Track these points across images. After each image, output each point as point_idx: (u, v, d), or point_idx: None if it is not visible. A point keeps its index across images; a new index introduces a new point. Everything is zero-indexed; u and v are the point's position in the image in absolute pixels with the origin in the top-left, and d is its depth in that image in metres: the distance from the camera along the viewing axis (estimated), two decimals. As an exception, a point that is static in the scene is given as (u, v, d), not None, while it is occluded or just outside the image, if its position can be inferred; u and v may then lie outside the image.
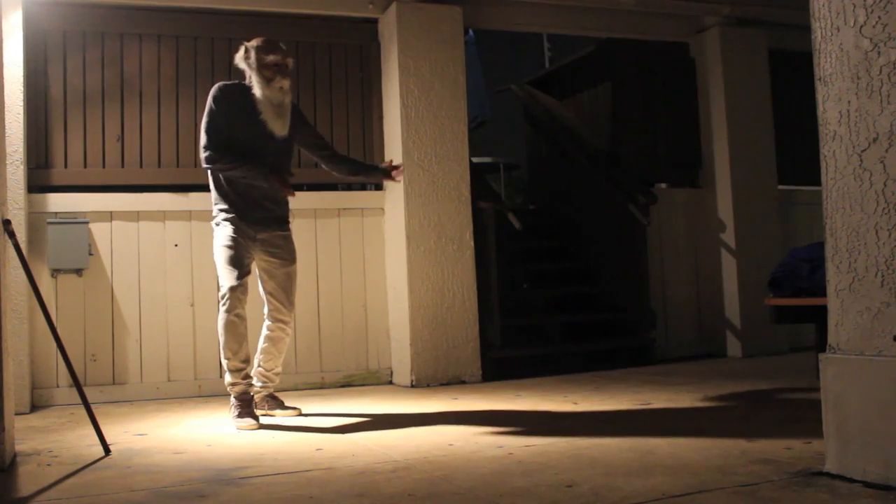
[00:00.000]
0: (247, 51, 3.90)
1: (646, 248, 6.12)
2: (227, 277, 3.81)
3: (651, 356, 5.93)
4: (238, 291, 3.79)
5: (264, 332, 4.06)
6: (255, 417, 3.81)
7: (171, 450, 3.32)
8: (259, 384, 4.07)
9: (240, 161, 3.79)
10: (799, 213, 6.64)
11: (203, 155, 3.82)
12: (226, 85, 3.93)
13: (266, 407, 4.09)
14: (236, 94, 3.89)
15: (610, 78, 6.66)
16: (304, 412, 4.19)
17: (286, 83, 3.89)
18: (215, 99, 3.86)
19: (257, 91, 3.86)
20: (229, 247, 3.82)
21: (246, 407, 3.82)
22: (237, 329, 3.80)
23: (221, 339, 3.82)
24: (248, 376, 3.88)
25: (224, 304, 3.79)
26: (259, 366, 4.07)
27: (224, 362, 3.87)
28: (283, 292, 4.00)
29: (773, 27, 6.34)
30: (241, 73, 4.01)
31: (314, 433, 3.62)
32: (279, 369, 4.12)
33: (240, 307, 3.80)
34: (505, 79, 8.16)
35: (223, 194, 3.88)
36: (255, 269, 4.00)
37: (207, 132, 3.82)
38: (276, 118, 3.89)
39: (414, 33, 5.31)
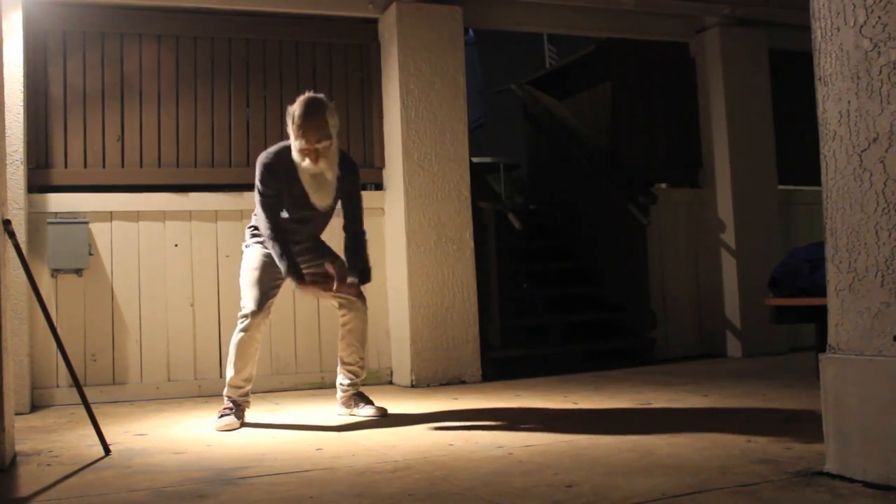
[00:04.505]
0: (289, 116, 3.70)
1: (646, 248, 6.13)
2: (249, 300, 3.79)
3: (651, 356, 5.93)
4: (259, 316, 3.78)
5: (341, 326, 3.98)
6: (238, 419, 3.79)
7: (171, 450, 3.32)
8: (347, 382, 4.01)
9: (276, 239, 3.73)
10: (799, 213, 6.64)
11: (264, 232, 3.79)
12: (268, 161, 3.74)
13: (352, 405, 4.00)
14: (279, 163, 3.74)
15: (610, 78, 6.65)
16: (303, 412, 4.19)
17: (322, 165, 3.67)
18: (261, 178, 3.74)
19: (296, 158, 3.71)
20: (256, 268, 3.82)
21: (231, 409, 3.81)
22: (248, 349, 3.80)
23: (231, 355, 3.83)
24: (246, 394, 3.88)
25: (241, 324, 3.79)
26: (343, 362, 4.01)
27: (227, 376, 3.86)
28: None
29: (773, 27, 6.34)
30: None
31: (314, 433, 3.62)
32: (363, 361, 4.03)
33: (255, 330, 3.79)
34: (505, 79, 8.16)
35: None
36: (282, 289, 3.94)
37: (261, 208, 3.78)
38: (315, 190, 3.77)
39: (414, 33, 5.31)
